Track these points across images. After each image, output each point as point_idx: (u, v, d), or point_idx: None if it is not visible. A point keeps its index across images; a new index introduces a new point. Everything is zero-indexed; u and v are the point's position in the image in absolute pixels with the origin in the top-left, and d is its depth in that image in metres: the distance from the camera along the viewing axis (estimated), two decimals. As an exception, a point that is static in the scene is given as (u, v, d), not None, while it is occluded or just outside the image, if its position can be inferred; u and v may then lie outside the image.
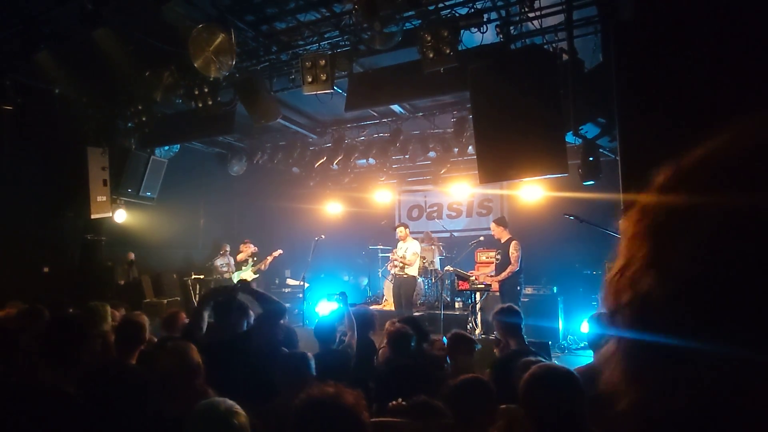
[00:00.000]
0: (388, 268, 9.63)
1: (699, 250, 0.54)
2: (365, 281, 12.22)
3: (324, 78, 6.59)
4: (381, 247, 11.23)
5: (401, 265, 9.03)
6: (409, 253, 9.05)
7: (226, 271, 10.60)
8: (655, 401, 0.58)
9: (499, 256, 8.04)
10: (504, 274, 7.73)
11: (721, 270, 0.53)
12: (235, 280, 10.35)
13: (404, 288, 9.02)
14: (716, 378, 0.53)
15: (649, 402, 0.58)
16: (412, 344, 4.13)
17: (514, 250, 7.75)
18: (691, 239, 0.56)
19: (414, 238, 9.70)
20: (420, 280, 10.15)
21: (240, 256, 10.65)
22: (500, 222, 8.19)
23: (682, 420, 0.55)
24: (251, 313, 3.58)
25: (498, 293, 8.05)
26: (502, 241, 8.01)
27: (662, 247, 0.59)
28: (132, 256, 9.89)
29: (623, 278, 0.62)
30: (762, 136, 0.56)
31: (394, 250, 9.48)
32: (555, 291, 8.69)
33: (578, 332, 8.35)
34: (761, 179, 0.54)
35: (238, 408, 2.01)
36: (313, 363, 3.11)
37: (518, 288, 7.72)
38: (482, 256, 9.85)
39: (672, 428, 0.57)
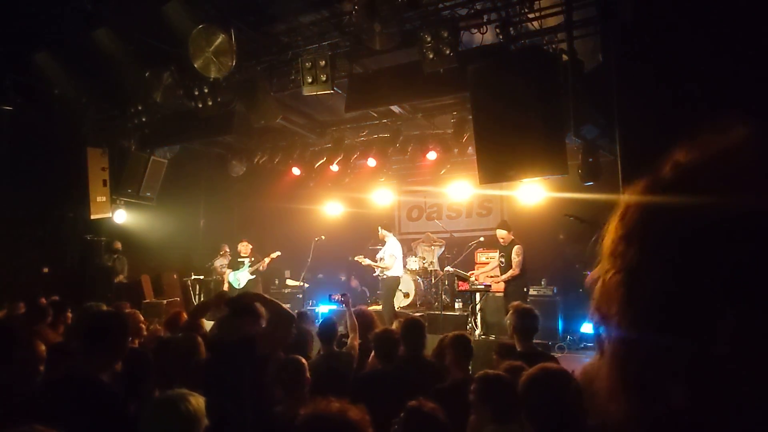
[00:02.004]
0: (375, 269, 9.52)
1: (679, 255, 0.56)
2: (357, 283, 12.19)
3: (324, 79, 6.59)
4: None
5: (381, 268, 9.01)
6: (387, 256, 9.00)
7: (225, 272, 10.59)
8: (641, 406, 0.59)
9: (503, 260, 7.96)
10: (504, 277, 7.71)
11: (700, 275, 0.54)
12: (232, 280, 10.36)
13: (385, 288, 8.99)
14: (699, 379, 0.54)
15: (635, 407, 0.59)
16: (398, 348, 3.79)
17: (515, 255, 7.68)
18: (673, 244, 0.57)
19: (405, 239, 9.67)
20: (419, 280, 10.15)
21: (242, 251, 10.61)
22: (506, 226, 8.03)
23: (667, 422, 0.56)
24: (263, 321, 3.57)
25: (501, 294, 8.01)
26: (506, 245, 7.92)
27: (633, 261, 0.60)
28: (119, 244, 9.85)
29: (607, 283, 0.64)
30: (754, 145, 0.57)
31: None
32: (555, 291, 8.69)
33: (578, 333, 8.35)
34: (749, 186, 0.55)
35: (192, 395, 2.06)
36: (306, 369, 3.12)
37: (524, 290, 7.66)
38: (482, 257, 9.85)
39: (658, 429, 0.58)
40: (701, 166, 0.60)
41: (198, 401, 2.03)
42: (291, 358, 3.27)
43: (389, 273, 8.95)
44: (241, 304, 3.31)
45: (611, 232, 0.65)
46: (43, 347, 3.07)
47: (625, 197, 0.65)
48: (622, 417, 0.60)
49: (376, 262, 9.27)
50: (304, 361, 3.26)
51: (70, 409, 2.46)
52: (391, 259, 8.95)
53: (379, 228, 9.33)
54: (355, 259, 9.51)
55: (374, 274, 9.25)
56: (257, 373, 3.02)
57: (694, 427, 0.55)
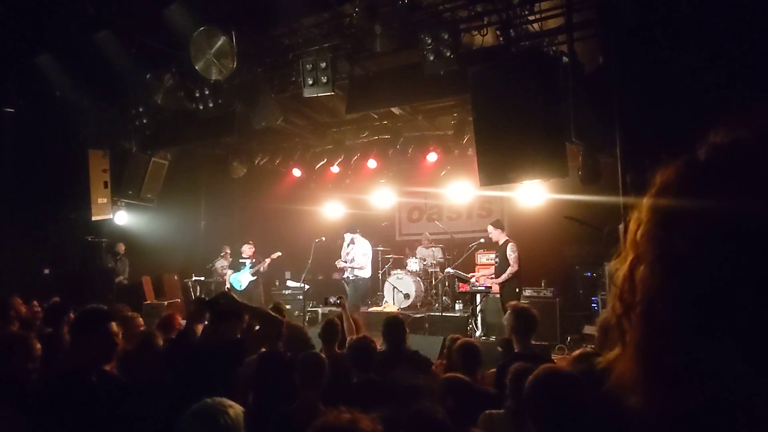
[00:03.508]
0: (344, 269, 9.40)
1: (710, 253, 0.53)
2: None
3: (324, 80, 6.61)
4: (381, 248, 11.24)
5: (353, 268, 8.94)
6: (359, 255, 8.94)
7: (227, 273, 10.61)
8: (668, 398, 0.57)
9: (497, 259, 8.00)
10: (505, 276, 7.72)
11: (732, 275, 0.51)
12: (233, 281, 10.38)
13: (361, 290, 8.92)
14: (721, 379, 0.52)
15: (661, 399, 0.57)
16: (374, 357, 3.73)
17: (511, 252, 7.73)
18: (703, 242, 0.53)
19: (406, 240, 9.64)
20: (420, 281, 10.14)
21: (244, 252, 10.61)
22: (497, 224, 8.15)
23: (694, 416, 0.55)
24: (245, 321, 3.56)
25: (498, 295, 8.04)
26: (500, 244, 7.99)
27: (672, 248, 0.56)
28: (122, 247, 9.88)
29: (632, 279, 0.61)
30: None
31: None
32: (554, 293, 8.68)
33: (578, 334, 8.34)
34: None
35: (231, 406, 1.96)
36: (326, 366, 3.15)
37: (517, 290, 7.70)
38: (483, 258, 9.86)
39: (682, 423, 0.56)
40: (749, 145, 0.54)
41: (236, 412, 1.95)
42: (312, 354, 3.29)
43: (361, 273, 8.87)
44: (225, 307, 3.28)
45: (641, 218, 0.60)
46: (38, 344, 3.09)
47: (656, 181, 0.60)
48: (644, 409, 0.58)
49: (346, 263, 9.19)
50: (324, 356, 3.27)
51: (59, 405, 2.49)
52: (364, 258, 8.89)
53: (345, 235, 9.26)
54: (336, 263, 9.48)
55: (344, 276, 9.17)
56: (273, 372, 3.04)
57: (720, 425, 0.53)
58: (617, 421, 0.66)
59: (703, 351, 0.53)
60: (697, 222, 0.54)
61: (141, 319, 4.90)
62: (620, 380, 0.61)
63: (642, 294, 0.59)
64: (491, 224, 8.19)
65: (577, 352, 3.12)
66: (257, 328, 3.37)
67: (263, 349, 3.70)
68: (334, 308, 7.62)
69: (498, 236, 7.98)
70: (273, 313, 3.40)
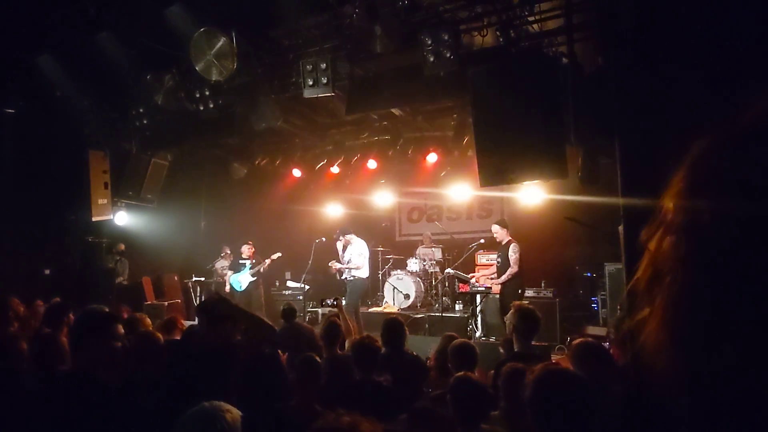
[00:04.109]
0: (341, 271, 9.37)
1: (727, 231, 0.52)
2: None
3: (324, 81, 6.61)
4: (381, 249, 11.25)
5: (350, 269, 8.95)
6: (355, 255, 8.96)
7: (227, 274, 10.62)
8: (689, 364, 0.57)
9: (500, 259, 7.98)
10: (504, 277, 7.71)
11: (744, 257, 0.51)
12: (233, 282, 10.39)
13: (356, 290, 8.95)
14: (724, 356, 0.53)
15: (682, 364, 0.57)
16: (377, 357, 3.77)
17: (512, 252, 7.70)
18: (723, 217, 0.53)
19: (406, 240, 9.63)
20: (420, 282, 10.17)
21: (244, 253, 10.62)
22: (502, 224, 8.07)
23: (712, 383, 0.55)
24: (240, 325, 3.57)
25: (498, 296, 8.03)
26: (503, 243, 7.95)
27: (696, 219, 0.56)
28: (122, 246, 9.90)
29: (662, 246, 0.61)
30: None
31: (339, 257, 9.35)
32: (554, 293, 8.69)
33: (578, 335, 8.35)
34: None
35: (229, 411, 1.94)
36: (320, 367, 3.16)
37: (519, 291, 7.67)
38: (483, 259, 9.86)
39: (712, 385, 0.56)
40: (736, 159, 0.54)
41: (234, 417, 1.94)
42: (307, 356, 3.32)
43: (358, 273, 8.87)
44: (220, 311, 3.28)
45: (677, 182, 0.59)
46: (25, 344, 3.11)
47: (697, 146, 0.59)
48: (669, 372, 0.58)
49: (342, 263, 9.18)
50: (318, 358, 3.30)
51: (59, 406, 2.50)
52: (360, 258, 8.90)
53: (341, 237, 9.25)
54: (329, 264, 9.47)
55: (342, 277, 9.17)
56: (266, 371, 3.05)
57: (743, 386, 0.53)
58: (622, 421, 0.66)
59: (714, 328, 0.54)
60: (721, 195, 0.54)
61: (149, 320, 4.91)
62: (646, 342, 0.61)
63: (669, 262, 0.59)
64: (496, 223, 8.10)
65: (578, 340, 3.12)
66: (239, 326, 3.37)
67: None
68: (333, 309, 7.66)
69: (502, 236, 7.92)
70: (265, 319, 3.40)
